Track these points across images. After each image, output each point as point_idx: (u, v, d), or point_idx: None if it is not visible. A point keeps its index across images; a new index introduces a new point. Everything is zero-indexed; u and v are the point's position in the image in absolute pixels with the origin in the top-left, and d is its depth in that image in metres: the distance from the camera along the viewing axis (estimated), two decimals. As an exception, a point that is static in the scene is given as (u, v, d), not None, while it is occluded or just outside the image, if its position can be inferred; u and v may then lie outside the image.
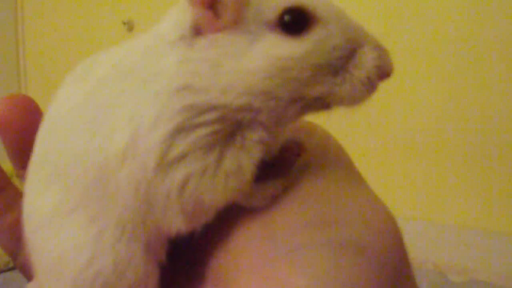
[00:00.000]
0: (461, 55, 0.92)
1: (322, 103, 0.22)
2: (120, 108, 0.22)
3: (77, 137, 0.23)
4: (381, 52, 0.22)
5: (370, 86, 0.22)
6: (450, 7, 0.93)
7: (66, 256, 0.23)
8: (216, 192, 0.22)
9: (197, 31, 0.22)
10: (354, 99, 0.22)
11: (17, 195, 0.28)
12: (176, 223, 0.22)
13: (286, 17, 0.21)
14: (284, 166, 0.25)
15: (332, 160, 0.25)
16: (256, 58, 0.21)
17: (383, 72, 0.22)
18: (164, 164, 0.21)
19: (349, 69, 0.22)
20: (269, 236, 0.22)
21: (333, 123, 0.24)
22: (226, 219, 0.23)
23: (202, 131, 0.21)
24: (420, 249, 0.84)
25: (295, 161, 0.25)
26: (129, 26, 1.41)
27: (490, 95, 0.90)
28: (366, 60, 0.22)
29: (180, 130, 0.21)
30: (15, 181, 0.31)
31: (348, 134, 1.02)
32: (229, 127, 0.22)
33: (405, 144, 0.99)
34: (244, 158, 0.22)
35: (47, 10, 1.59)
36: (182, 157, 0.21)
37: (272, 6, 0.22)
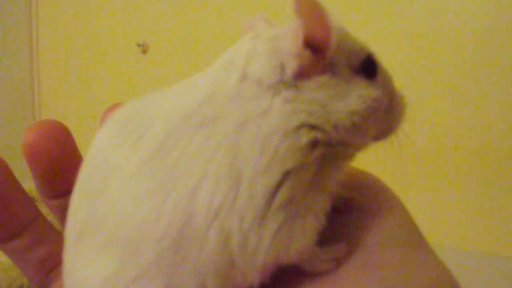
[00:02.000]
0: (464, 72, 0.91)
1: (379, 135, 0.26)
2: (205, 162, 0.20)
3: (144, 202, 0.20)
4: (403, 98, 0.27)
5: (400, 122, 0.26)
6: (451, 24, 0.92)
7: None
8: (305, 237, 0.21)
9: (300, 74, 0.22)
10: (393, 132, 0.26)
11: (48, 228, 0.27)
12: (252, 277, 0.21)
13: (366, 63, 0.24)
14: (342, 225, 0.24)
15: (393, 218, 0.25)
16: (355, 100, 0.23)
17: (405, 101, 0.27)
18: (265, 213, 0.20)
19: (393, 107, 0.25)
20: None
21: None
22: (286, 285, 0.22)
23: (310, 170, 0.21)
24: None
25: (352, 217, 0.25)
26: (144, 48, 1.40)
27: (494, 116, 0.89)
28: (400, 98, 0.26)
29: (291, 172, 0.20)
30: (40, 205, 0.29)
31: None
32: (326, 162, 0.22)
33: (405, 165, 0.98)
34: (326, 199, 0.22)
35: (62, 32, 1.60)
36: (288, 202, 0.20)
37: (355, 52, 0.24)
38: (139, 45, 1.40)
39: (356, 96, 0.23)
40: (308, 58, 0.22)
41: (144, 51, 1.40)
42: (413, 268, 0.22)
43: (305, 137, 0.21)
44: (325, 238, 0.22)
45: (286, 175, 0.20)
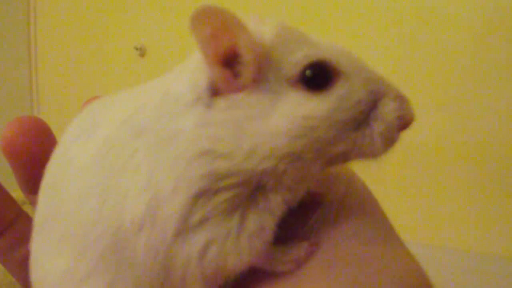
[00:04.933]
0: (464, 82, 0.92)
1: (344, 157, 0.22)
2: (133, 172, 0.21)
3: (87, 201, 0.21)
4: (402, 102, 0.22)
5: (390, 139, 0.22)
6: (452, 36, 0.92)
7: None
8: (240, 255, 0.21)
9: (215, 91, 0.21)
10: (375, 153, 0.22)
11: (30, 227, 0.27)
12: (194, 286, 0.21)
13: (308, 73, 0.21)
14: (307, 220, 0.23)
15: (361, 213, 0.24)
16: (280, 119, 0.20)
17: (404, 122, 0.22)
18: (185, 230, 0.20)
19: (370, 123, 0.21)
20: None
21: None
22: (247, 285, 0.23)
23: (223, 196, 0.20)
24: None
25: (319, 213, 0.23)
26: (141, 52, 1.40)
27: (491, 120, 0.89)
28: (387, 112, 0.21)
29: (200, 196, 0.20)
30: (26, 208, 0.29)
31: None
32: (251, 190, 0.21)
33: (404, 166, 0.97)
34: (267, 219, 0.21)
35: (60, 34, 1.61)
36: (203, 222, 0.20)
37: (293, 61, 0.21)
38: (136, 48, 1.40)
39: (280, 114, 0.20)
40: (219, 74, 0.20)
41: (142, 54, 1.41)
42: (379, 264, 0.21)
43: (206, 166, 0.20)
44: (290, 236, 0.22)
45: (195, 197, 0.20)
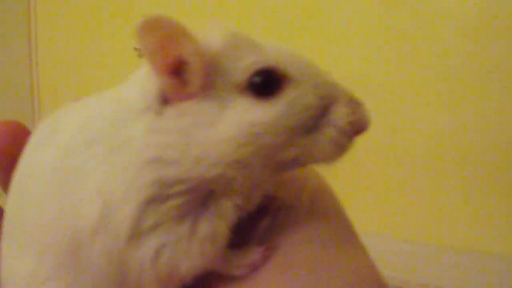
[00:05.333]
0: (463, 82, 0.91)
1: (295, 163, 0.22)
2: (87, 178, 0.21)
3: (46, 206, 0.22)
4: (355, 107, 0.22)
5: (341, 145, 0.22)
6: (449, 24, 0.92)
7: None
8: (192, 259, 0.21)
9: (165, 99, 0.21)
10: (326, 159, 0.22)
11: None
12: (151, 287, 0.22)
13: (256, 79, 0.21)
14: (263, 224, 0.24)
15: (322, 217, 0.24)
16: (227, 126, 0.20)
17: (357, 127, 0.22)
18: (137, 235, 0.21)
19: (321, 128, 0.21)
20: None
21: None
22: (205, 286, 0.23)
23: (173, 202, 0.21)
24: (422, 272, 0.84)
25: (275, 217, 0.24)
26: (140, 52, 1.40)
27: (492, 117, 0.89)
28: (339, 117, 0.21)
29: (150, 202, 0.21)
30: None
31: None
32: (202, 196, 0.21)
33: (406, 166, 0.97)
34: (219, 224, 0.22)
35: (61, 34, 1.61)
36: (154, 228, 0.21)
37: (241, 68, 0.21)
38: (136, 49, 1.40)
39: (228, 121, 0.20)
40: (167, 83, 0.21)
41: (141, 55, 1.41)
42: (333, 269, 0.21)
43: (154, 173, 0.20)
44: (248, 240, 0.23)
45: (146, 203, 0.20)
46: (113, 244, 0.21)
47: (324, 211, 0.24)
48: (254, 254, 0.22)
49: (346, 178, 0.98)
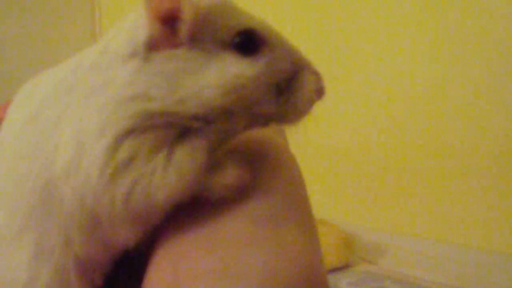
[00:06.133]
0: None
1: (266, 120, 0.24)
2: (63, 124, 0.22)
3: (20, 160, 0.23)
4: (318, 76, 0.25)
5: (308, 106, 0.24)
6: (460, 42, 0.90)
7: (8, 276, 0.23)
8: (170, 185, 0.22)
9: (152, 46, 0.22)
10: (295, 117, 0.24)
11: None
12: (124, 231, 0.22)
13: (240, 38, 0.23)
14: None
15: (270, 189, 0.24)
16: (213, 75, 0.22)
17: (320, 93, 0.25)
18: (108, 172, 0.21)
19: (292, 90, 0.24)
20: (174, 283, 0.21)
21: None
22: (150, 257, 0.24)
23: (152, 134, 0.21)
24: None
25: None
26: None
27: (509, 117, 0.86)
28: (307, 82, 0.24)
29: (129, 133, 0.21)
30: None
31: (351, 153, 1.05)
32: (178, 132, 0.22)
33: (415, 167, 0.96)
34: (193, 152, 0.22)
35: (124, 14, 1.61)
36: (129, 161, 0.21)
37: (228, 27, 0.23)
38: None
39: (214, 71, 0.22)
40: (158, 30, 0.22)
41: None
42: (256, 247, 0.21)
43: (137, 107, 0.21)
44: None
45: (123, 136, 0.21)
46: (85, 184, 0.21)
47: (274, 185, 0.24)
48: (231, 176, 0.23)
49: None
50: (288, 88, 0.24)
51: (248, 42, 0.23)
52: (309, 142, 1.10)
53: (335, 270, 0.92)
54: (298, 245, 0.22)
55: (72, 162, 0.21)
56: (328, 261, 0.91)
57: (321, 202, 1.09)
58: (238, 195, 0.23)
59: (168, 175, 0.21)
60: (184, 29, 0.22)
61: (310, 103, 0.24)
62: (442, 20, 0.91)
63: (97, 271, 0.24)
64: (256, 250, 0.21)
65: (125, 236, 0.23)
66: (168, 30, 0.22)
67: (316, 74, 0.25)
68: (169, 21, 0.22)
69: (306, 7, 1.13)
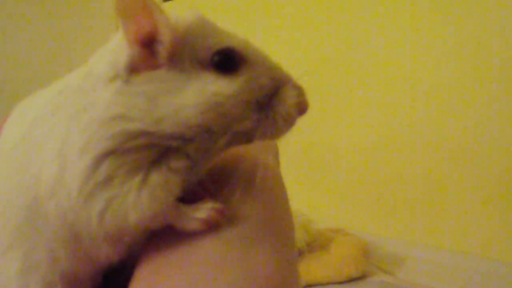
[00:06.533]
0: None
1: (247, 137, 0.24)
2: (49, 144, 0.23)
3: (5, 182, 0.24)
4: (300, 91, 0.25)
5: (290, 121, 0.24)
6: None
7: None
8: (142, 208, 0.22)
9: (133, 69, 0.23)
10: (276, 133, 0.24)
11: None
12: (104, 248, 0.23)
13: (218, 57, 0.23)
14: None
15: (245, 209, 0.24)
16: (191, 94, 0.23)
17: (302, 108, 0.25)
18: (87, 190, 0.22)
19: (273, 106, 0.24)
20: None
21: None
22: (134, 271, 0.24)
23: (131, 156, 0.22)
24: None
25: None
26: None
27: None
28: (288, 97, 0.24)
29: (108, 154, 0.22)
30: None
31: (369, 163, 1.04)
32: (157, 153, 0.23)
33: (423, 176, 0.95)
34: (170, 175, 0.23)
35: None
36: (107, 181, 0.22)
37: (206, 46, 0.24)
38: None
39: (193, 90, 0.22)
40: (138, 53, 0.23)
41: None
42: (230, 267, 0.22)
43: (118, 127, 0.22)
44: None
45: (103, 156, 0.22)
46: (66, 202, 0.22)
47: (250, 206, 0.25)
48: (209, 210, 0.23)
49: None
50: (268, 104, 0.24)
51: (227, 60, 0.23)
52: (328, 152, 1.10)
53: (353, 280, 0.91)
54: (270, 265, 0.22)
55: (56, 179, 0.22)
56: (346, 271, 0.90)
57: (339, 212, 1.09)
58: (210, 229, 0.23)
59: (141, 197, 0.22)
60: (163, 51, 0.23)
61: (291, 117, 0.24)
62: (453, 25, 0.90)
63: (85, 285, 0.25)
64: (225, 270, 0.21)
65: (106, 252, 0.23)
66: (148, 52, 0.23)
67: (297, 88, 0.25)
68: (148, 44, 0.23)
69: (318, 9, 1.12)
